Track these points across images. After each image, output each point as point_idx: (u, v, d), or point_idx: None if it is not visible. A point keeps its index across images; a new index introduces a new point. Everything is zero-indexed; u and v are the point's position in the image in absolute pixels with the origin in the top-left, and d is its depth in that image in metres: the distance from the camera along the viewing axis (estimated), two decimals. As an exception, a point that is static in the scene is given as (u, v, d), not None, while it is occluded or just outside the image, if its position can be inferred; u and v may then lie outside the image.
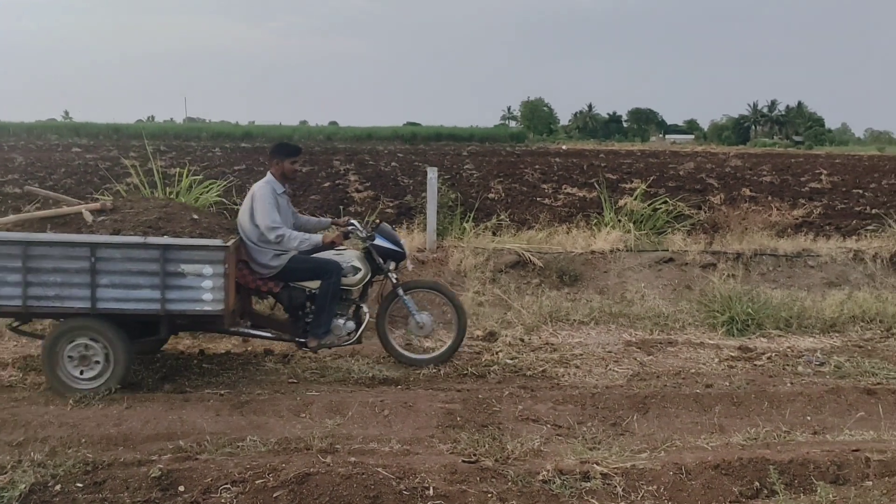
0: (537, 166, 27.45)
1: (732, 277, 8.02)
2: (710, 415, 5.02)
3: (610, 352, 6.54)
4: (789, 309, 7.35)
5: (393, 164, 28.57)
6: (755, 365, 6.25)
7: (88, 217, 5.36)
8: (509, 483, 3.87)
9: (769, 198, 16.11)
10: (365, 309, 5.94)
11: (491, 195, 16.27)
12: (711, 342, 6.90)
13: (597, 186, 14.59)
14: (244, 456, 4.16)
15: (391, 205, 13.70)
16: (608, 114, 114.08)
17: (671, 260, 8.30)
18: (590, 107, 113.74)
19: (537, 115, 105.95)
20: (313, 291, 5.74)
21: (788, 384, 5.70)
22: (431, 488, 3.76)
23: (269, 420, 4.79)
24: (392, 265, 6.00)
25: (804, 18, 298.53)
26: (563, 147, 61.02)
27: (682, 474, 3.97)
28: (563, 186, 18.96)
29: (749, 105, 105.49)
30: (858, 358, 6.33)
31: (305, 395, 5.18)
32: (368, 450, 4.37)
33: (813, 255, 8.39)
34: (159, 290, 5.08)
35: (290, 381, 5.67)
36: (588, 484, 3.90)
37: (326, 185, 18.21)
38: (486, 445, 4.36)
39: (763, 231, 9.52)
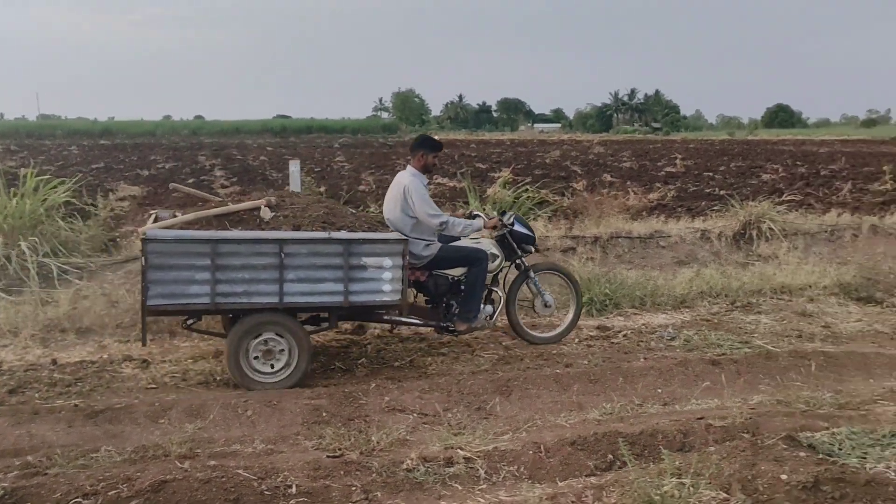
0: (409, 157, 27.54)
1: (591, 260, 8.36)
2: (570, 393, 5.22)
3: (477, 338, 6.67)
4: (644, 288, 7.73)
5: (262, 157, 27.93)
6: (612, 343, 6.55)
7: (267, 214, 5.39)
8: (374, 474, 3.89)
9: (628, 183, 16.83)
10: (499, 293, 6.26)
11: (362, 187, 16.20)
12: (573, 324, 7.16)
13: (459, 176, 14.81)
14: (97, 468, 3.98)
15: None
16: (479, 104, 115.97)
17: (532, 245, 8.55)
18: (460, 97, 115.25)
19: (409, 106, 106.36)
20: (455, 279, 6.04)
21: (642, 359, 6.01)
22: (294, 486, 3.73)
23: (125, 428, 4.59)
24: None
25: (662, 11, 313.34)
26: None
27: (541, 452, 4.11)
28: (434, 177, 19.12)
29: (611, 94, 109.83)
30: (706, 331, 6.75)
31: (164, 401, 5.00)
32: (230, 452, 4.28)
33: (664, 235, 8.86)
34: (343, 282, 5.28)
35: (149, 386, 5.46)
36: (451, 469, 3.97)
37: (191, 181, 17.59)
38: (352, 439, 4.36)
39: (620, 215, 9.97)
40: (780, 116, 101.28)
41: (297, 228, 5.34)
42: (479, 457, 4.07)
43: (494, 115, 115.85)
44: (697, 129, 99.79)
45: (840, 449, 4.04)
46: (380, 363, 5.98)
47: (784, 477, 3.60)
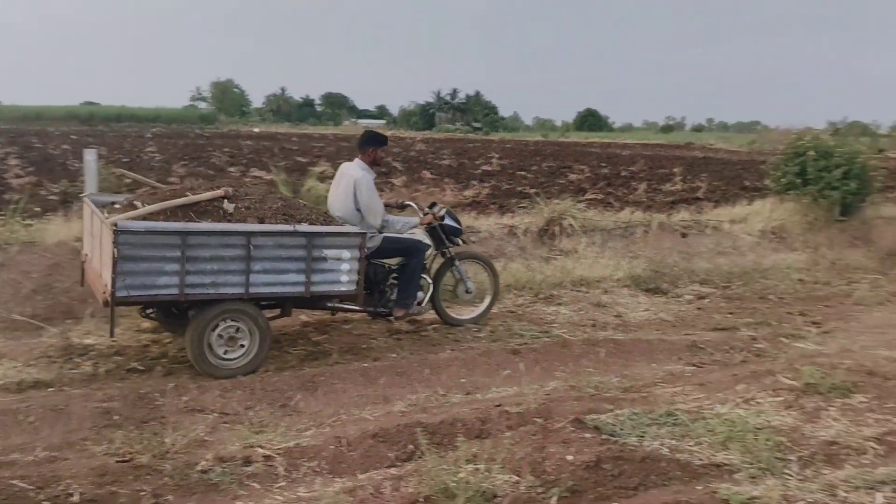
0: (227, 149, 26.65)
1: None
2: (376, 387, 5.26)
3: (286, 335, 6.56)
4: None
5: (64, 146, 25.87)
6: (421, 336, 6.66)
7: (230, 206, 5.42)
8: (166, 478, 3.73)
9: (445, 180, 17.19)
10: (427, 279, 6.62)
11: (172, 179, 15.44)
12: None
13: (273, 168, 14.50)
14: None
15: (55, 191, 12.42)
16: (302, 98, 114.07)
17: (347, 240, 8.53)
18: (283, 90, 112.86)
19: (228, 96, 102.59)
20: (391, 267, 6.43)
21: (448, 351, 6.16)
22: (77, 494, 3.50)
23: None
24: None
25: (482, 16, 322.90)
26: (256, 130, 59.88)
27: (343, 446, 4.11)
28: (252, 170, 18.60)
29: (434, 93, 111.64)
30: (510, 322, 7.03)
31: (-71, 410, 4.53)
32: (7, 462, 3.95)
33: (475, 231, 9.12)
34: (305, 273, 5.52)
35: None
36: (250, 468, 3.88)
37: (-24, 170, 15.99)
38: (144, 442, 4.15)
39: (434, 211, 10.15)
40: (590, 120, 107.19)
41: (261, 221, 5.44)
42: (279, 454, 4.02)
43: (318, 109, 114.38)
44: (515, 129, 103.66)
45: (622, 429, 4.34)
46: (181, 362, 5.73)
47: (570, 458, 3.82)
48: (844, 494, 3.65)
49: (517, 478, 3.69)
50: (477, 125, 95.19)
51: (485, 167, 23.46)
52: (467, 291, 6.95)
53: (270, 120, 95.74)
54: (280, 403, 4.91)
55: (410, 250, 6.43)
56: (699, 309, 7.90)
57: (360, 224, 6.06)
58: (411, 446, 4.16)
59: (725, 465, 3.95)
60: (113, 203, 6.00)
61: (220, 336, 5.41)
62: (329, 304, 6.14)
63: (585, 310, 7.69)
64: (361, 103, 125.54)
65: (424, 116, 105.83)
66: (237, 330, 5.45)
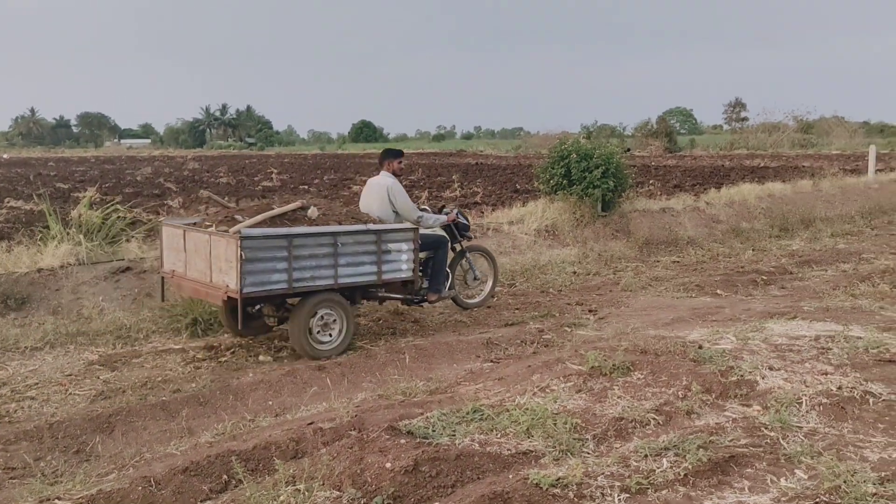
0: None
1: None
2: (179, 419, 5.03)
3: (69, 375, 6.08)
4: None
5: None
6: (220, 361, 6.45)
7: (314, 213, 6.45)
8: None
9: (226, 198, 16.67)
10: (447, 269, 7.71)
11: None
12: (178, 347, 6.90)
13: (35, 198, 13.34)
14: None
15: None
16: (55, 118, 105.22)
17: (129, 269, 8.06)
18: (33, 111, 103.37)
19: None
20: (422, 260, 7.35)
21: (251, 375, 6.02)
22: None
23: None
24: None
25: (248, 25, 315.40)
26: (4, 156, 54.40)
27: (152, 486, 3.90)
28: (7, 200, 16.91)
29: (202, 108, 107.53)
30: (311, 339, 6.98)
31: None
32: None
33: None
34: (376, 264, 6.59)
35: None
36: (48, 524, 3.58)
37: None
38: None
39: (219, 231, 9.83)
40: (365, 132, 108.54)
41: (339, 223, 6.52)
42: (82, 503, 3.74)
43: (75, 130, 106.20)
44: (290, 143, 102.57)
45: (434, 431, 4.50)
46: None
47: (388, 465, 3.90)
48: (636, 464, 4.03)
49: (338, 493, 3.72)
50: (251, 140, 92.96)
51: (265, 183, 23.06)
52: (475, 278, 8.23)
53: (20, 144, 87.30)
54: (74, 449, 4.56)
55: (438, 244, 7.55)
56: (489, 307, 8.32)
57: (396, 223, 7.05)
58: (225, 476, 4.03)
59: (531, 451, 4.22)
60: (194, 223, 6.80)
61: (318, 323, 6.44)
62: (380, 294, 7.11)
63: (384, 318, 7.83)
64: (124, 122, 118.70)
65: (194, 134, 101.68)
66: (330, 317, 6.50)
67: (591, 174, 11.60)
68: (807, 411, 4.74)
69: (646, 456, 4.10)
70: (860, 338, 6.23)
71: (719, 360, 5.60)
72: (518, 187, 19.22)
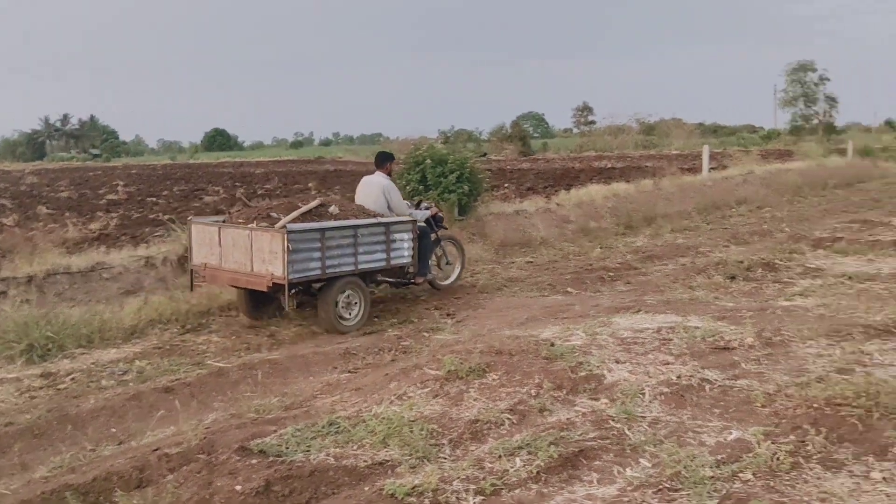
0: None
1: (27, 303, 7.58)
2: (11, 454, 4.67)
3: None
4: (89, 325, 7.29)
5: None
6: (59, 389, 6.03)
7: (335, 209, 7.70)
8: None
9: (66, 214, 15.71)
10: None
11: None
12: (11, 375, 6.40)
13: None
14: None
15: None
16: None
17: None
18: None
19: None
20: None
21: (92, 401, 5.65)
22: None
23: None
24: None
25: (88, 30, 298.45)
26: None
27: (-24, 532, 3.59)
28: None
29: (41, 119, 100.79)
30: (158, 359, 6.67)
31: None
32: None
33: (107, 267, 8.49)
34: (383, 252, 7.81)
35: None
36: None
37: None
38: None
39: (57, 249, 9.24)
40: (219, 140, 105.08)
41: (356, 218, 7.68)
42: None
43: None
44: (139, 154, 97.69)
45: (287, 448, 4.38)
46: None
47: (238, 487, 3.76)
48: (490, 465, 4.09)
49: (186, 520, 3.55)
50: (95, 152, 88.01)
51: (110, 196, 21.90)
52: (448, 263, 9.41)
53: None
54: None
55: (424, 234, 8.60)
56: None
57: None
58: (62, 513, 3.77)
59: (388, 461, 4.19)
60: (223, 221, 7.80)
61: (343, 303, 7.54)
62: (378, 278, 8.31)
63: (238, 334, 7.59)
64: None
65: (32, 146, 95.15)
66: (353, 297, 7.63)
67: (447, 179, 11.75)
68: (650, 401, 4.97)
69: (500, 456, 4.17)
70: (698, 327, 6.61)
71: (570, 357, 5.78)
72: (376, 193, 19.18)
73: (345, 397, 5.40)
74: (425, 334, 7.16)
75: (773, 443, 4.19)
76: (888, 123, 76.19)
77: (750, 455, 4.05)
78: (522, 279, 9.70)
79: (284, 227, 6.92)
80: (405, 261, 8.15)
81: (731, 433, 4.44)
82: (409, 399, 5.14)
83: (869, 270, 9.16)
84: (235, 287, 7.80)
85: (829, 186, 21.89)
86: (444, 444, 4.41)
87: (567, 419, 4.73)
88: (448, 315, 7.99)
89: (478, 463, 4.12)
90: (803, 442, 4.20)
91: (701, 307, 7.55)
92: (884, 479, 3.79)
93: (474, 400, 5.08)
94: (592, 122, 71.44)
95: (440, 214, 9.32)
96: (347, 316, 7.60)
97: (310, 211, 7.50)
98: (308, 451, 4.33)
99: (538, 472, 3.97)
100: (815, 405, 4.57)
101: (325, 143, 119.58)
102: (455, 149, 12.60)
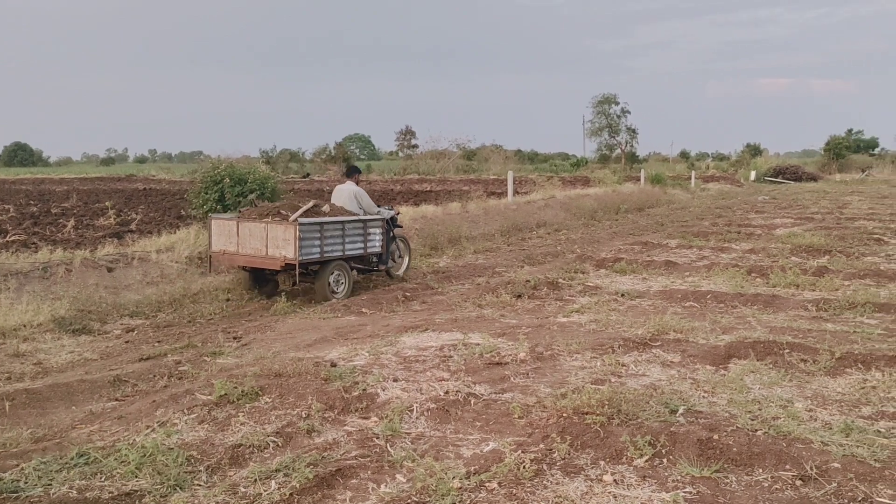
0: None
1: None
2: None
3: None
4: None
5: None
6: None
7: (328, 208, 9.97)
8: None
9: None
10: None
11: None
12: None
13: None
14: None
15: None
16: None
17: None
18: None
19: None
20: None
21: None
22: None
23: None
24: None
25: None
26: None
27: None
28: None
29: None
30: None
31: None
32: None
33: None
34: (362, 242, 10.15)
35: None
36: None
37: None
38: None
39: None
40: (20, 155, 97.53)
41: (342, 215, 10.01)
42: None
43: None
44: None
45: (27, 482, 4.08)
46: None
47: (-45, 530, 3.45)
48: (244, 490, 4.02)
49: None
50: None
51: None
52: (399, 256, 11.53)
53: None
54: None
55: (387, 230, 10.87)
56: (127, 342, 7.83)
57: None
58: None
59: (136, 491, 4.00)
60: (238, 216, 9.96)
61: (334, 280, 9.78)
62: (352, 264, 10.24)
63: (1, 362, 6.99)
64: None
65: None
66: (340, 276, 9.90)
67: (246, 199, 11.50)
68: (417, 417, 5.09)
69: (255, 480, 4.10)
70: (478, 344, 6.87)
71: (348, 377, 5.81)
72: (183, 213, 18.45)
73: (105, 426, 5.10)
74: (206, 359, 6.92)
75: (522, 452, 4.41)
76: (682, 154, 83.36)
77: (499, 465, 4.23)
78: (320, 300, 9.65)
79: (296, 220, 9.15)
80: (377, 250, 10.40)
81: (487, 445, 4.63)
82: (172, 426, 4.94)
83: (641, 288, 9.91)
84: (249, 268, 9.99)
85: (621, 211, 23.58)
86: (200, 470, 4.27)
87: (333, 439, 4.74)
88: (234, 338, 7.77)
89: (232, 488, 4.03)
90: (550, 450, 4.45)
91: (486, 324, 7.85)
92: (615, 481, 4.09)
93: (241, 424, 4.97)
94: (415, 146, 72.69)
95: (397, 216, 11.55)
96: (337, 290, 9.86)
97: (309, 209, 9.64)
98: (50, 485, 4.06)
99: (291, 494, 3.94)
100: (565, 414, 4.86)
101: (141, 160, 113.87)
102: (252, 168, 12.29)
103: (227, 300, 9.83)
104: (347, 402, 5.33)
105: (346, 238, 9.79)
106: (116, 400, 5.89)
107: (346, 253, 9.84)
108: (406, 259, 11.75)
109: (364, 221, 10.11)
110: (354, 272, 10.57)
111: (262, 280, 10.19)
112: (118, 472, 4.21)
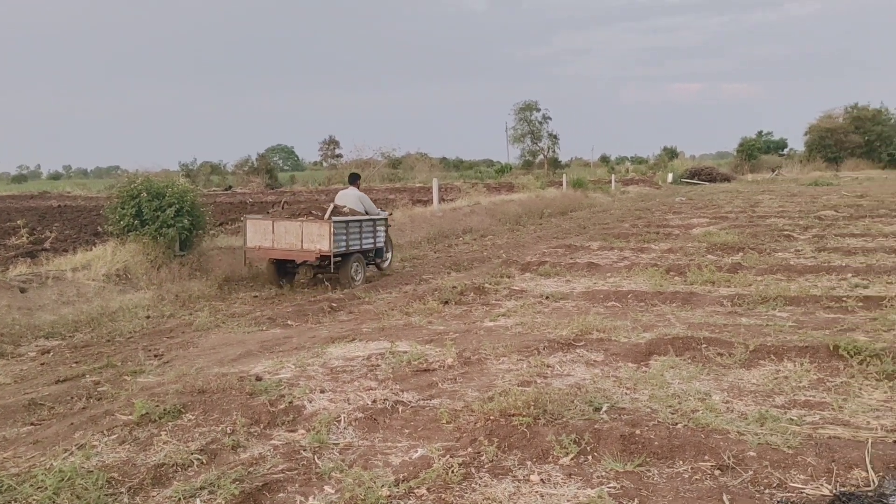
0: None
1: None
2: None
3: None
4: None
5: None
6: None
7: (347, 209, 11.79)
8: None
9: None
10: None
11: None
12: None
13: None
14: None
15: None
16: None
17: None
18: None
19: None
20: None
21: None
22: None
23: None
24: None
25: None
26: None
27: None
28: None
29: None
30: None
31: None
32: None
33: None
34: (373, 238, 12.05)
35: None
36: None
37: None
38: None
39: None
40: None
41: (358, 215, 11.92)
42: None
43: None
44: None
45: (-66, 516, 3.90)
46: None
47: None
48: (165, 509, 3.92)
49: None
50: None
51: None
52: (386, 251, 12.86)
53: None
54: None
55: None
56: (43, 364, 7.54)
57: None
58: None
59: (53, 517, 3.87)
60: (268, 216, 11.85)
61: (354, 269, 11.60)
62: (360, 259, 11.93)
63: None
64: None
65: None
66: (358, 266, 11.77)
67: (165, 213, 11.23)
68: (344, 427, 5.06)
69: (179, 500, 4.02)
70: (405, 352, 6.88)
71: (274, 390, 5.74)
72: (100, 229, 17.86)
73: (20, 452, 4.90)
74: (126, 378, 6.72)
75: (450, 457, 4.44)
76: (603, 158, 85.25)
77: (428, 470, 4.25)
78: (244, 314, 9.49)
79: (330, 219, 10.95)
80: (381, 244, 12.38)
81: (416, 451, 4.64)
82: (92, 448, 4.79)
83: (564, 290, 10.10)
84: (276, 261, 11.61)
85: (545, 215, 23.96)
86: (122, 492, 4.16)
87: (259, 454, 4.67)
88: (156, 356, 7.58)
89: (152, 509, 3.93)
90: (478, 453, 4.50)
91: (413, 332, 7.86)
92: (541, 480, 4.16)
93: (164, 443, 4.86)
94: (339, 156, 72.22)
95: (389, 217, 13.21)
96: (356, 278, 11.66)
97: (333, 210, 11.42)
98: (-45, 517, 3.88)
99: (217, 511, 3.87)
100: (492, 417, 4.91)
101: (55, 176, 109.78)
102: (170, 182, 11.95)
103: (148, 317, 9.56)
104: (273, 416, 5.27)
105: (363, 234, 11.68)
106: (32, 424, 5.66)
107: (363, 246, 11.75)
108: (390, 255, 13.29)
109: (374, 220, 12.02)
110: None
111: (284, 272, 11.85)
112: (35, 499, 4.05)
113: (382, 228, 12.32)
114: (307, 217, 11.29)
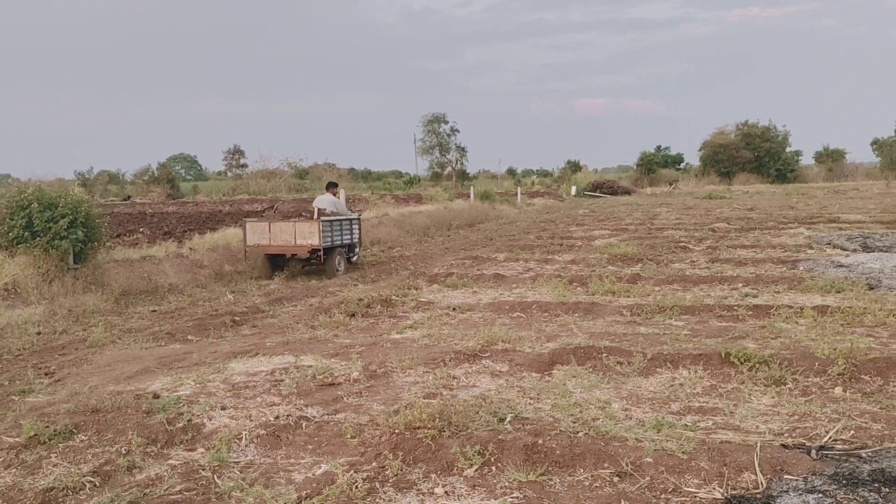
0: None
1: None
2: None
3: None
4: None
5: None
6: None
7: (329, 211, 13.93)
8: None
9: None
10: None
11: None
12: None
13: None
14: None
15: None
16: None
17: None
18: None
19: None
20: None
21: None
22: None
23: None
24: None
25: None
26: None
27: None
28: None
29: None
30: None
31: None
32: None
33: None
34: (350, 234, 14.41)
35: None
36: None
37: None
38: None
39: None
40: None
41: (339, 215, 14.30)
42: None
43: None
44: None
45: None
46: None
47: None
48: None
49: None
50: None
51: None
52: (357, 247, 14.91)
53: None
54: None
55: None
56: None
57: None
58: None
59: (-72, 551, 3.63)
60: (261, 217, 16.47)
61: (338, 261, 13.83)
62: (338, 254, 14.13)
63: None
64: None
65: None
66: (341, 258, 14.06)
67: (58, 225, 10.74)
68: (245, 445, 4.95)
69: (69, 526, 3.83)
70: (310, 366, 6.79)
71: (172, 408, 5.57)
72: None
73: None
74: (14, 398, 6.38)
75: (355, 472, 4.41)
76: (509, 171, 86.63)
77: (332, 487, 4.20)
78: (142, 329, 9.16)
79: (319, 219, 13.17)
80: (356, 240, 14.59)
81: (320, 467, 4.58)
82: (-27, 474, 4.53)
83: (471, 301, 10.19)
84: (279, 254, 13.77)
85: (453, 227, 24.15)
86: (5, 520, 3.94)
87: (156, 474, 4.51)
88: (46, 374, 7.22)
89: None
90: (383, 467, 4.48)
91: (318, 346, 7.77)
92: (446, 493, 4.18)
93: (54, 466, 4.65)
94: (245, 166, 70.79)
95: (359, 217, 15.30)
96: (339, 269, 13.76)
97: (321, 212, 13.53)
98: None
99: (110, 536, 3.71)
100: (397, 431, 4.90)
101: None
102: (63, 192, 11.41)
103: (38, 333, 9.10)
104: (171, 435, 5.11)
105: (342, 231, 13.88)
106: None
107: (343, 242, 13.97)
108: (358, 249, 15.18)
109: (350, 220, 14.34)
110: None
111: (277, 265, 13.92)
112: None
113: (357, 226, 14.62)
114: (299, 218, 13.55)
